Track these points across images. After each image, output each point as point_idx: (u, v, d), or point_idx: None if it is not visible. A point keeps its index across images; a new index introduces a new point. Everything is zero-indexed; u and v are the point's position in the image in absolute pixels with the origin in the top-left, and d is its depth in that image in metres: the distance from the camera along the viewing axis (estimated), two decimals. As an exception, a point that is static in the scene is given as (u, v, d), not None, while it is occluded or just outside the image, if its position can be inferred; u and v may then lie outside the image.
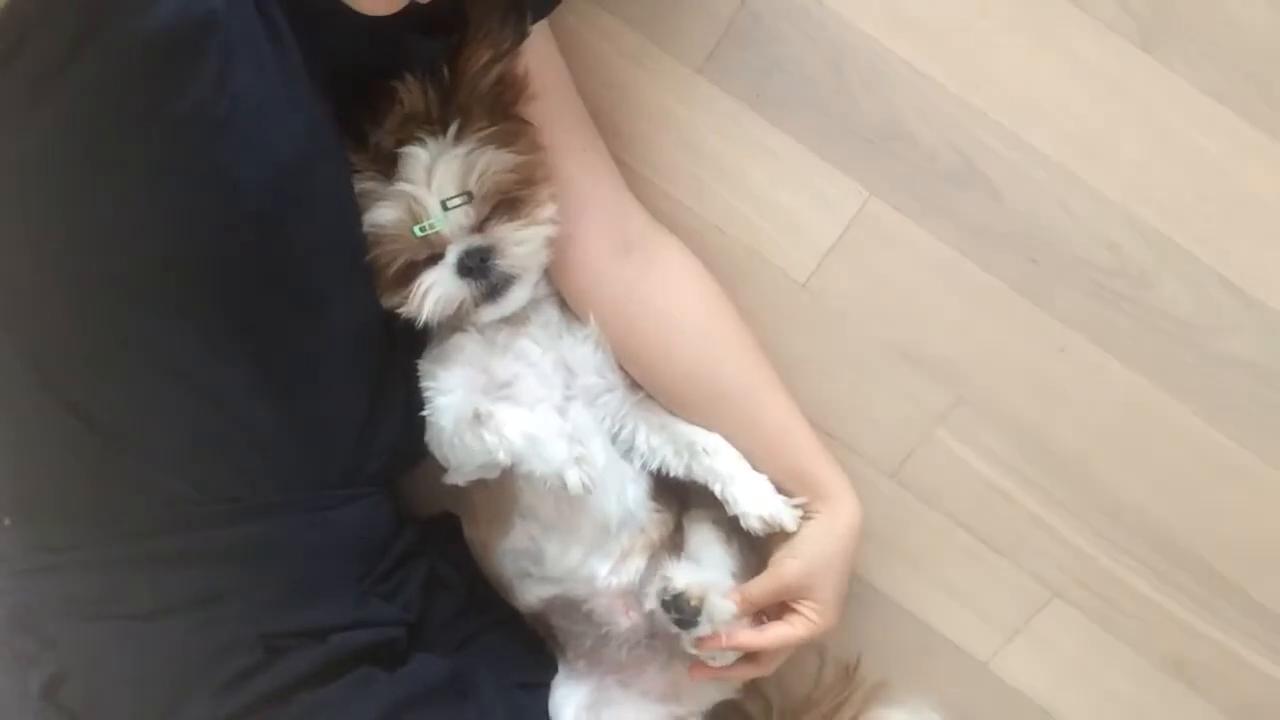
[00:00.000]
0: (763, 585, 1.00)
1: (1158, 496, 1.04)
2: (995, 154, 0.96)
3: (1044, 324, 1.00)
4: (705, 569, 1.01)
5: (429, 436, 0.96)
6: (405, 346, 0.98)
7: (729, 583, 1.00)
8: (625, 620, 1.04)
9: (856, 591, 1.12)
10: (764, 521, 0.98)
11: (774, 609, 1.01)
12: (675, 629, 0.97)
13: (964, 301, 1.01)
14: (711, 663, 1.01)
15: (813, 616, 1.00)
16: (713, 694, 1.09)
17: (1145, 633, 1.08)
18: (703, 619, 0.95)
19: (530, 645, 1.10)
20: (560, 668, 1.08)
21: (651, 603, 0.98)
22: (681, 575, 0.97)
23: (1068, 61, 0.93)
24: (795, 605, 1.01)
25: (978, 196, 0.98)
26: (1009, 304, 1.00)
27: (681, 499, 1.08)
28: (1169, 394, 1.00)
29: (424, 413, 0.95)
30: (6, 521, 0.88)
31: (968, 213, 0.99)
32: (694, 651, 0.99)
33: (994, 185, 0.97)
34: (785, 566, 1.00)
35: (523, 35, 0.90)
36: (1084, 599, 1.09)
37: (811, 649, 1.16)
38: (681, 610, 0.95)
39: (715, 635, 0.98)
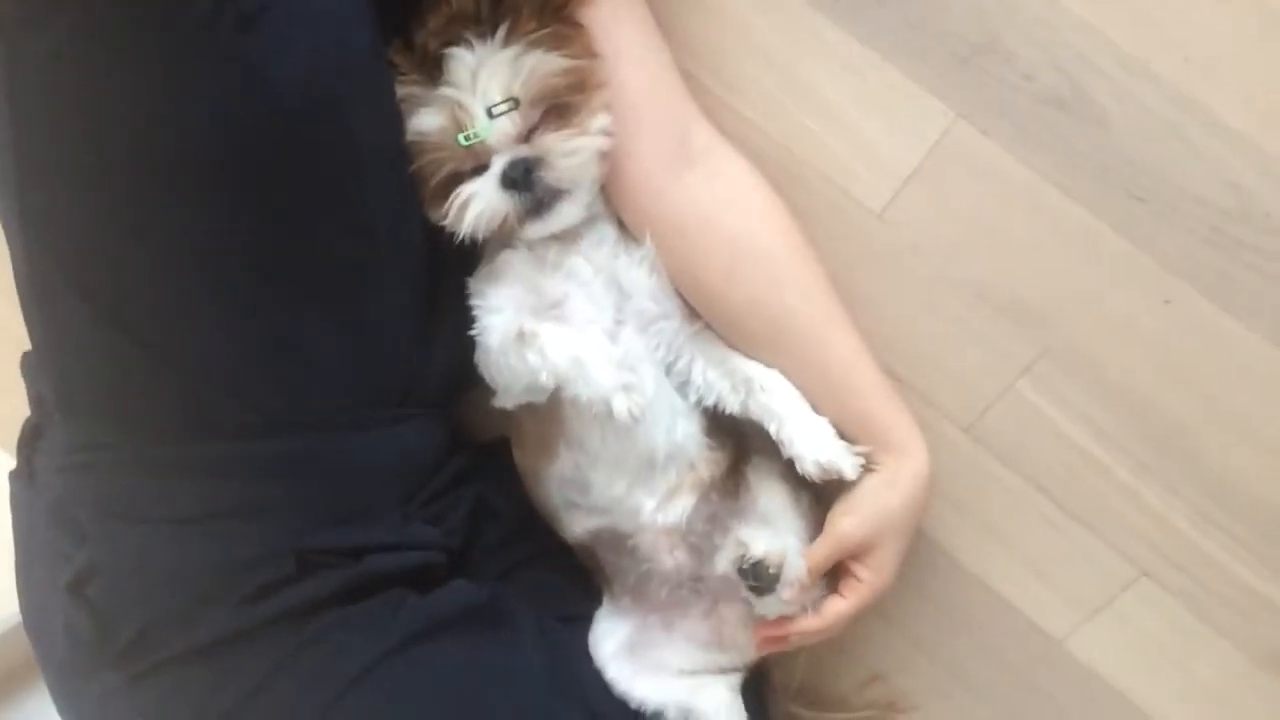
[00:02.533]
0: (822, 550, 0.94)
1: (1267, 473, 0.93)
2: (1101, 73, 0.85)
3: (1148, 271, 0.90)
4: (777, 531, 0.96)
5: (477, 357, 0.93)
6: (459, 265, 0.95)
7: (800, 546, 0.95)
8: (669, 559, 1.00)
9: (923, 553, 1.06)
10: (820, 467, 0.92)
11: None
12: (750, 595, 0.93)
13: (1057, 241, 0.92)
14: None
15: (867, 577, 0.95)
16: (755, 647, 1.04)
17: (1240, 621, 0.98)
18: (780, 585, 0.91)
19: (574, 578, 1.08)
20: (605, 602, 1.06)
21: (725, 566, 0.94)
22: (759, 542, 0.92)
23: (1192, -32, 0.82)
24: (850, 565, 0.95)
25: (1080, 122, 0.87)
26: (1109, 246, 0.90)
27: (738, 438, 1.02)
28: (1289, 357, 0.89)
29: (471, 332, 0.92)
30: (57, 417, 0.90)
31: (1067, 141, 0.88)
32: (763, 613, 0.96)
33: (1099, 109, 0.87)
34: (842, 525, 0.94)
35: (579, -66, 0.85)
36: (1175, 580, 0.99)
37: (874, 665, 1.15)
38: (760, 578, 0.91)
39: (777, 621, 0.96)
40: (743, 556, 0.92)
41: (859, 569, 0.95)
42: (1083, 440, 0.97)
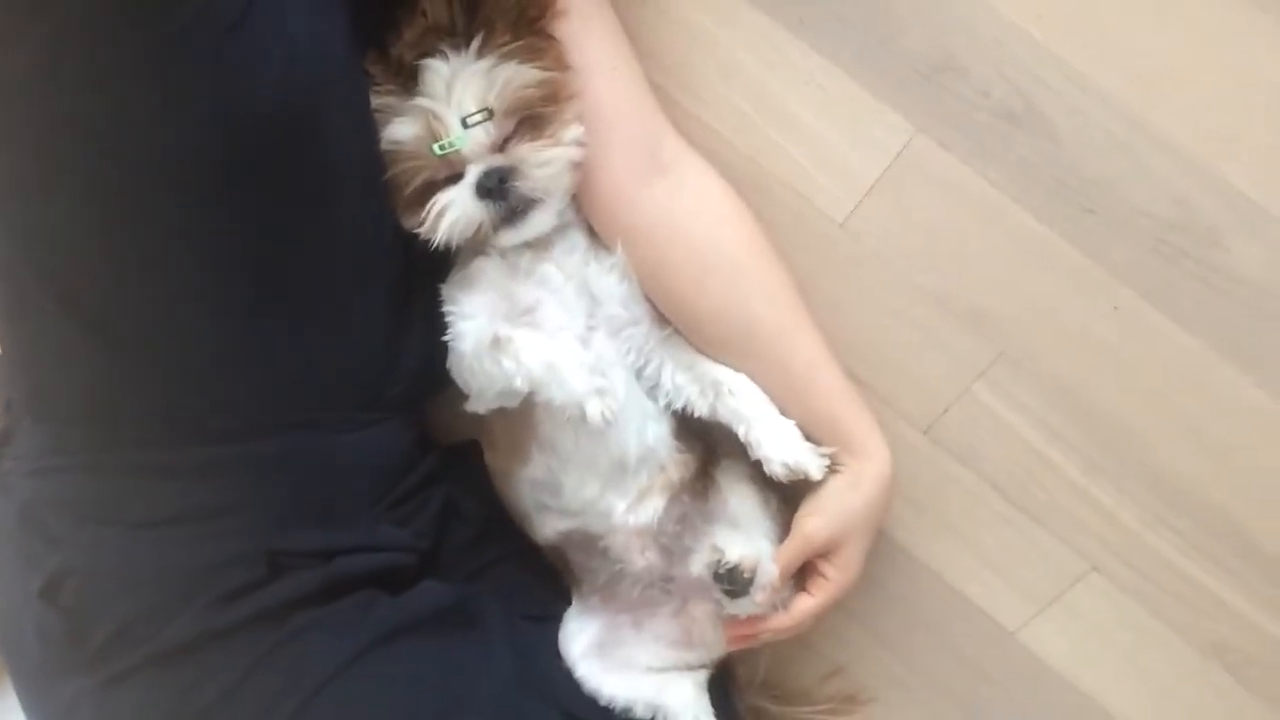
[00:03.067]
0: (790, 552, 0.97)
1: (1211, 472, 0.97)
2: (1055, 91, 0.89)
3: (1097, 279, 0.94)
4: (749, 534, 0.99)
5: (450, 362, 0.94)
6: (428, 271, 0.96)
7: (771, 548, 0.98)
8: (641, 560, 1.02)
9: (882, 550, 1.09)
10: (788, 468, 0.95)
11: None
12: (723, 598, 0.96)
13: (1011, 250, 0.95)
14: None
15: (833, 575, 0.98)
16: (725, 644, 1.06)
17: (1187, 615, 1.02)
18: (754, 589, 0.94)
19: (543, 578, 1.09)
20: (574, 602, 1.08)
21: (699, 570, 0.96)
22: (734, 547, 0.94)
23: (1141, -9, 0.85)
24: (817, 564, 0.98)
25: (1033, 138, 0.91)
26: (1060, 256, 0.94)
27: (707, 441, 1.05)
28: (1231, 362, 0.93)
29: (445, 337, 0.93)
30: (26, 421, 0.90)
31: (1021, 155, 0.92)
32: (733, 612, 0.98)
33: (1051, 126, 0.90)
34: (808, 526, 0.97)
35: (553, -52, 0.86)
36: (1123, 575, 1.03)
37: (835, 659, 1.18)
38: (734, 582, 0.94)
39: (748, 620, 0.98)
40: (718, 561, 0.94)
41: (825, 568, 0.98)
42: (1036, 441, 1.01)
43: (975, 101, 0.91)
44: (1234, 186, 0.88)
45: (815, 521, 0.96)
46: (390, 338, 0.95)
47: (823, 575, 0.98)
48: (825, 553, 0.98)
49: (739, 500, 1.01)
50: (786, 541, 0.98)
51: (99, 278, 0.82)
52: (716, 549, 0.94)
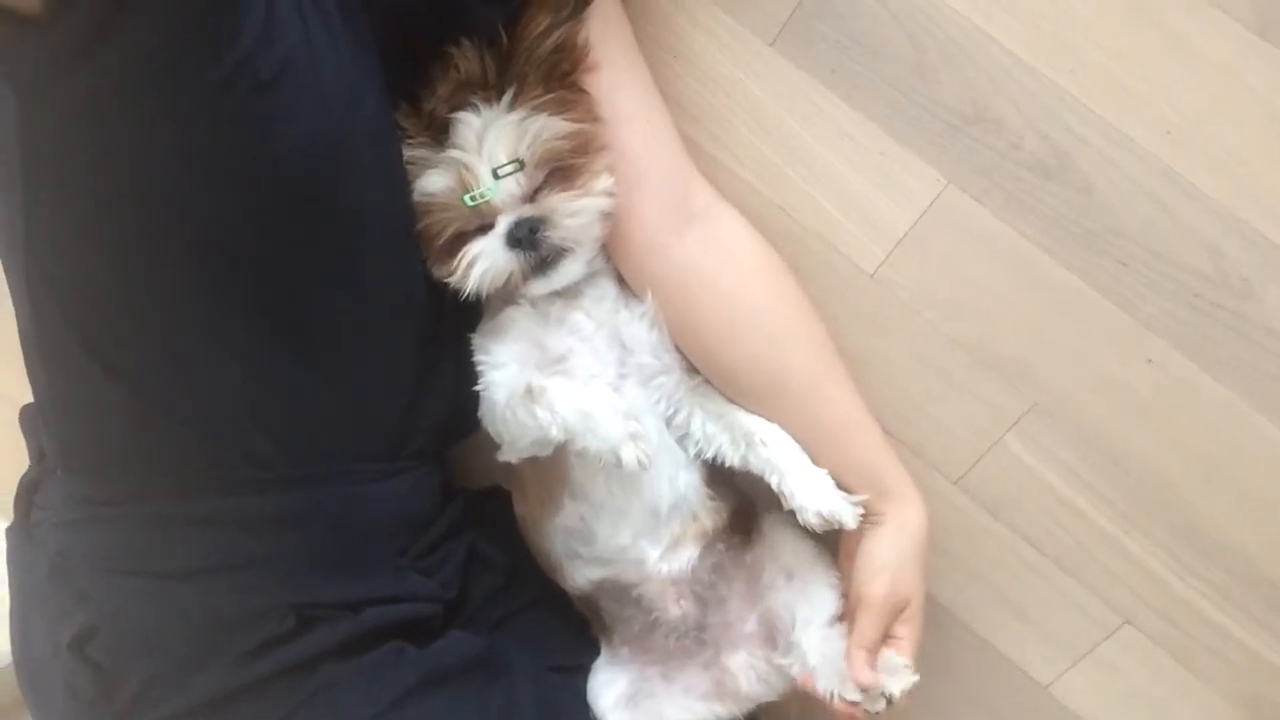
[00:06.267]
0: (872, 625, 0.93)
1: (1243, 523, 0.96)
2: (1087, 143, 0.89)
3: (1130, 331, 0.93)
4: (807, 584, 0.99)
5: (482, 412, 0.94)
6: (455, 320, 0.96)
7: (834, 595, 0.98)
8: (675, 609, 1.01)
9: (914, 600, 1.07)
10: (822, 518, 0.93)
11: None
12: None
13: (1043, 302, 0.95)
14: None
15: (905, 633, 0.95)
16: (756, 697, 1.04)
17: (1220, 666, 1.01)
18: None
19: (570, 627, 1.08)
20: (603, 653, 1.06)
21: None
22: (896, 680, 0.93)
23: (1173, 45, 0.86)
24: (890, 631, 0.95)
25: (1065, 189, 0.91)
26: (1093, 307, 0.94)
27: (739, 490, 1.05)
28: (1264, 415, 0.93)
29: (477, 387, 0.93)
30: (58, 472, 0.90)
31: (1053, 206, 0.92)
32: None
33: (1084, 178, 0.90)
34: (873, 590, 0.94)
35: (585, 2, 0.87)
36: (1156, 626, 1.02)
37: None
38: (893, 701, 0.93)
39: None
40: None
41: (897, 628, 0.95)
42: (1067, 492, 1.00)
43: (1008, 154, 0.92)
44: (1267, 239, 0.88)
45: (879, 583, 0.94)
46: (414, 389, 0.95)
47: (896, 637, 0.95)
48: (896, 609, 0.95)
49: (795, 552, 1.01)
50: (861, 618, 0.94)
51: (127, 329, 0.82)
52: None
